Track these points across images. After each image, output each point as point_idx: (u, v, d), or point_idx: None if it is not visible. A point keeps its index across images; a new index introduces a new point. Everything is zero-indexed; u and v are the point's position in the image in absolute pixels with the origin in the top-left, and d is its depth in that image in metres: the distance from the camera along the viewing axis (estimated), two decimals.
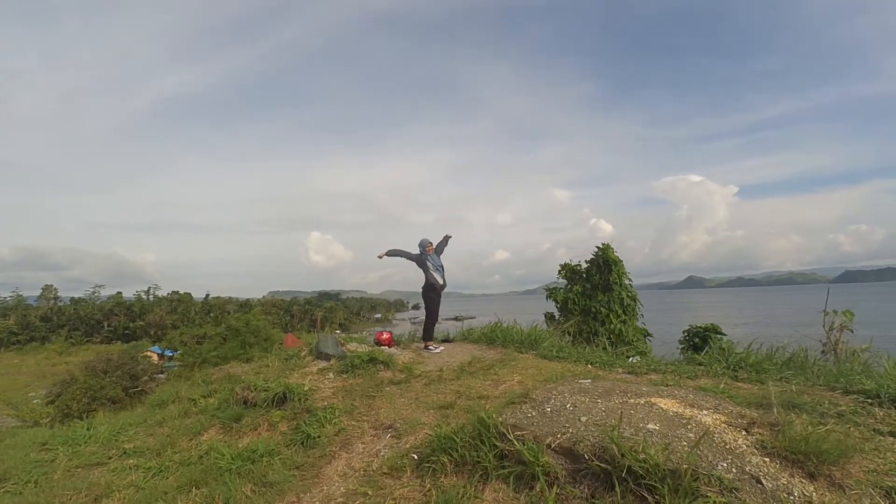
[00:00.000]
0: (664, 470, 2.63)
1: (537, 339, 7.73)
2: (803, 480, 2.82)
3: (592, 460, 2.79)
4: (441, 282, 7.37)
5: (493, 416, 3.37)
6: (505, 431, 3.19)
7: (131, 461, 4.75)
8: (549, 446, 3.00)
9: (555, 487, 2.78)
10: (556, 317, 12.35)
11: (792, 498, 2.61)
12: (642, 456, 2.70)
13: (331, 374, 5.99)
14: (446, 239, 7.82)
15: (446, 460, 3.24)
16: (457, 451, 3.25)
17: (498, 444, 3.14)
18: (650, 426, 3.19)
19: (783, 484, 2.74)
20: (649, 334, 12.32)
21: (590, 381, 4.67)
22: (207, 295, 73.20)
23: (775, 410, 3.76)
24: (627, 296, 11.29)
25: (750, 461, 2.92)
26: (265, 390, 5.51)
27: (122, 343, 42.37)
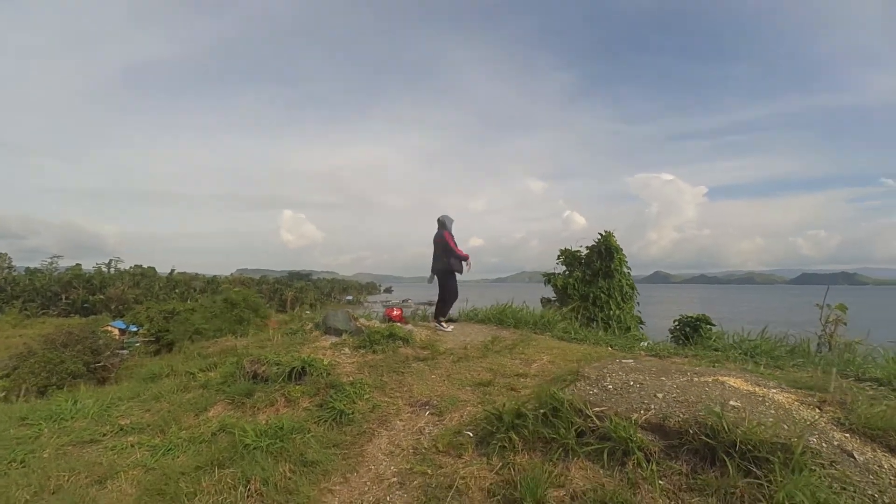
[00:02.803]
0: (773, 444, 2.47)
1: (549, 321, 7.59)
2: (886, 454, 2.83)
3: (698, 435, 2.59)
4: None
5: (566, 391, 3.11)
6: (583, 407, 2.94)
7: (131, 438, 4.26)
8: (635, 423, 2.77)
9: (651, 464, 2.56)
10: (552, 301, 12.26)
11: (883, 470, 2.63)
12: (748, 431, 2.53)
13: (346, 350, 5.60)
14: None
15: (515, 437, 2.97)
16: (527, 427, 2.98)
17: (576, 419, 2.90)
18: (732, 402, 3.02)
19: (871, 457, 2.75)
20: (642, 322, 12.42)
21: (633, 360, 4.50)
22: (172, 270, 69.98)
23: (832, 389, 3.73)
24: (627, 283, 11.27)
25: (834, 437, 2.90)
26: (277, 364, 5.09)
27: (80, 317, 39.76)
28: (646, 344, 7.20)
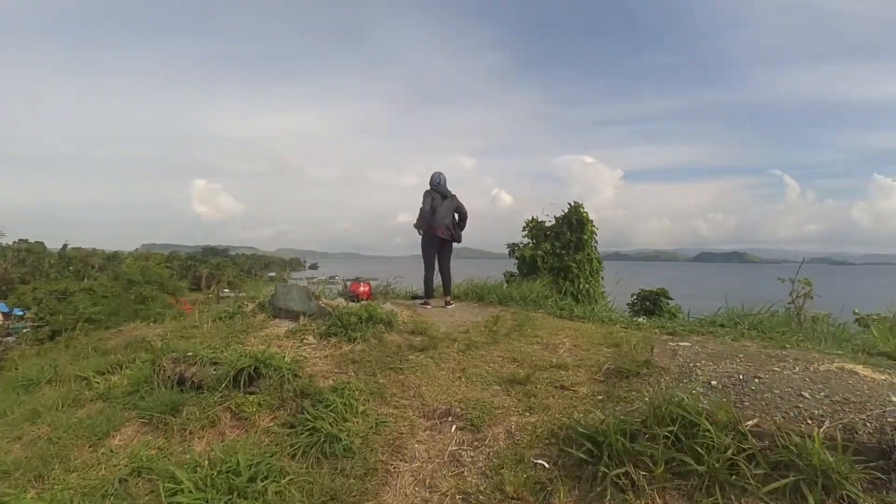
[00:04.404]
0: None
1: (538, 297, 6.76)
2: None
3: None
4: None
5: (698, 397, 2.13)
6: (734, 420, 1.98)
7: None
8: (819, 441, 1.87)
9: (866, 499, 1.69)
10: (515, 276, 11.49)
11: None
12: None
13: (311, 339, 4.23)
14: None
15: (631, 469, 1.94)
16: (646, 454, 1.97)
17: (722, 439, 1.93)
18: (894, 399, 2.26)
19: None
20: (605, 297, 12.16)
21: (689, 344, 3.70)
22: (65, 245, 60.30)
23: None
24: (595, 256, 10.84)
25: None
26: (215, 363, 3.62)
27: None
28: (643, 319, 6.65)
